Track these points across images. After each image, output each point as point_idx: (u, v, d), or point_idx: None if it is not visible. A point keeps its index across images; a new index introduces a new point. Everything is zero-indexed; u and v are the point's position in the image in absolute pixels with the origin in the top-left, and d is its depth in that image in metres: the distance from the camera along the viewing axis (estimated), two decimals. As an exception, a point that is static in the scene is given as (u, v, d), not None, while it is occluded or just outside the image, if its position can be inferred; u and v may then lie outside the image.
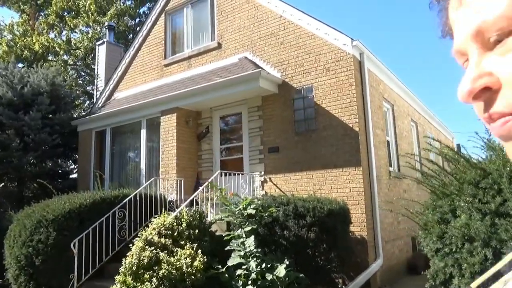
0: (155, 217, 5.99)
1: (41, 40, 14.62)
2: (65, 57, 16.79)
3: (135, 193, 7.35)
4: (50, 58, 16.20)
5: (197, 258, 5.08)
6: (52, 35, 16.71)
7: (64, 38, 16.01)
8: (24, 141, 9.97)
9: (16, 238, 6.56)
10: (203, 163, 9.13)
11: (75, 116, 12.36)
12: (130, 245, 5.41)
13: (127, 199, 7.17)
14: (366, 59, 7.79)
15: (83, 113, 13.37)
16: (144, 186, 7.68)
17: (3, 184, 9.62)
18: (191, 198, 6.41)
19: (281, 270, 4.68)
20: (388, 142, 8.89)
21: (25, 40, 15.05)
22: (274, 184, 7.94)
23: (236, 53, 9.08)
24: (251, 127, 8.48)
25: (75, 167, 12.16)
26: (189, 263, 4.93)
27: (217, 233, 6.45)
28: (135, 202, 7.28)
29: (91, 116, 10.48)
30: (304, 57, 8.02)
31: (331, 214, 5.71)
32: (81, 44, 15.69)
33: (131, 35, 18.31)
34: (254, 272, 4.98)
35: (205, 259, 5.14)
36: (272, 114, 8.24)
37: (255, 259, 5.08)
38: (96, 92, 12.34)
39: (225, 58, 9.24)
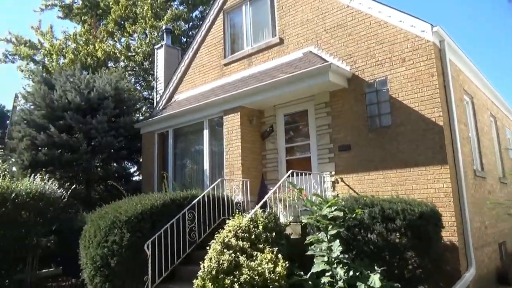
0: (228, 219, 5.75)
1: (103, 47, 15.18)
2: (122, 63, 17.31)
3: (203, 194, 7.19)
4: (110, 64, 16.78)
5: (279, 263, 4.74)
6: (111, 42, 17.31)
7: (123, 44, 16.50)
8: (91, 144, 10.23)
9: (91, 239, 6.61)
10: (268, 163, 8.82)
11: (136, 119, 12.59)
12: (207, 247, 5.17)
13: (195, 200, 7.02)
14: (447, 47, 7.09)
15: (142, 117, 13.59)
16: (212, 187, 7.49)
17: (74, 186, 9.91)
18: (264, 199, 6.10)
19: (375, 280, 4.22)
20: (469, 138, 8.08)
21: (88, 48, 15.68)
22: (346, 185, 7.45)
23: (299, 47, 8.70)
24: (318, 124, 8.05)
25: (137, 169, 12.38)
26: (271, 269, 4.61)
27: (292, 237, 6.10)
28: (203, 204, 7.12)
29: (154, 118, 10.56)
30: (376, 47, 7.47)
31: (422, 217, 5.14)
32: (139, 49, 16.10)
33: (185, 39, 18.57)
34: (341, 280, 4.55)
35: (287, 265, 4.79)
36: (341, 110, 7.76)
37: (341, 265, 4.65)
38: (156, 95, 12.49)
39: (288, 53, 8.89)
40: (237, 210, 7.86)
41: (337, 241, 4.76)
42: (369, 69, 7.50)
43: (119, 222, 6.35)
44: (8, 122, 33.06)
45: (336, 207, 4.96)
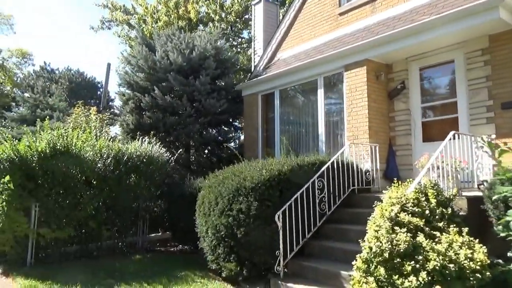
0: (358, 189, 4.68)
1: (196, 7, 14.63)
2: (212, 25, 16.61)
3: (331, 160, 6.20)
4: (201, 27, 16.23)
5: (476, 248, 3.60)
6: (205, 2, 16.62)
7: (217, 2, 15.74)
8: (194, 107, 9.71)
9: (212, 206, 6.01)
10: (397, 126, 7.52)
11: (237, 81, 11.86)
12: (337, 221, 4.18)
13: (324, 167, 6.06)
14: None
15: (238, 80, 12.82)
16: (340, 153, 6.47)
17: (180, 150, 9.55)
18: (427, 166, 4.90)
19: None
20: None
21: (179, 11, 15.21)
22: (513, 151, 5.93)
23: (441, -15, 7.07)
24: (471, 77, 6.51)
25: (236, 134, 11.77)
26: (469, 255, 3.48)
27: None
28: (332, 171, 6.15)
29: (258, 78, 9.71)
30: None
31: None
32: (231, 9, 15.27)
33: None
34: None
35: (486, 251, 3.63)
36: (507, 58, 6.13)
37: None
38: (254, 55, 11.62)
39: (424, -7, 7.31)
40: (366, 180, 6.82)
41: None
42: (552, 2, 5.73)
43: (244, 189, 5.62)
44: (101, 91, 34.97)
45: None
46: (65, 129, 7.73)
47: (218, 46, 10.54)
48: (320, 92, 8.35)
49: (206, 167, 10.30)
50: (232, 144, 11.21)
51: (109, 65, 24.98)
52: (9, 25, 32.02)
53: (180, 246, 8.92)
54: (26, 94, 30.77)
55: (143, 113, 9.96)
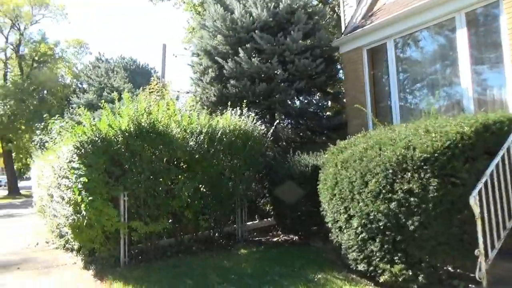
0: None
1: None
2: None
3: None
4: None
5: None
6: None
7: None
8: (287, 70, 8.11)
9: (356, 188, 4.43)
10: None
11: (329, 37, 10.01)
12: None
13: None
14: None
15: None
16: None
17: (277, 122, 8.03)
18: None
19: None
20: None
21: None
22: None
23: None
24: None
25: (333, 101, 10.04)
26: None
27: None
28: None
29: (364, 28, 7.84)
30: None
31: None
32: None
33: None
34: None
35: None
36: None
37: None
38: (344, 5, 9.70)
39: None
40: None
41: None
42: None
43: (411, 161, 3.97)
44: (155, 73, 34.42)
45: None
46: (148, 103, 6.47)
47: (306, -4, 8.77)
48: (462, 34, 6.36)
49: (304, 141, 8.80)
50: (329, 113, 9.53)
51: (164, 46, 24.08)
52: (63, 15, 32.34)
53: (284, 235, 7.54)
54: (84, 85, 31.20)
55: (225, 83, 8.53)
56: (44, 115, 15.71)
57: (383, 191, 4.13)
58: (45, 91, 29.94)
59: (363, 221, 4.36)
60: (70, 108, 17.06)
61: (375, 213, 4.18)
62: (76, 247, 6.43)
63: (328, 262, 5.35)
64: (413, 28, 7.14)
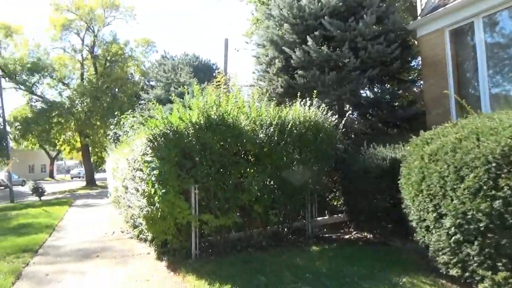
0: None
1: None
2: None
3: None
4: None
5: None
6: None
7: None
8: (358, 57, 7.61)
9: (448, 184, 3.94)
10: None
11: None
12: None
13: None
14: None
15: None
16: None
17: (349, 113, 7.61)
18: None
19: None
20: None
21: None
22: None
23: None
24: None
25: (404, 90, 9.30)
26: None
27: None
28: None
29: (447, 6, 7.09)
30: None
31: None
32: None
33: None
34: None
35: None
36: None
37: None
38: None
39: None
40: None
41: None
42: None
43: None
44: (216, 73, 35.16)
45: None
46: (217, 95, 6.40)
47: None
48: None
49: (374, 133, 8.26)
50: (401, 103, 8.83)
51: (226, 40, 24.40)
52: (132, 16, 34.05)
53: (357, 233, 7.13)
54: (152, 83, 32.67)
55: (293, 73, 8.23)
56: (116, 112, 16.68)
57: (484, 187, 3.61)
58: (117, 89, 31.87)
59: (458, 221, 3.86)
60: (139, 104, 17.85)
61: (474, 212, 3.68)
62: (149, 237, 6.59)
63: (411, 264, 4.91)
64: (507, 2, 6.29)
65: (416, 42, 8.38)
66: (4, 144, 22.14)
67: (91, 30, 32.46)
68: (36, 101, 32.30)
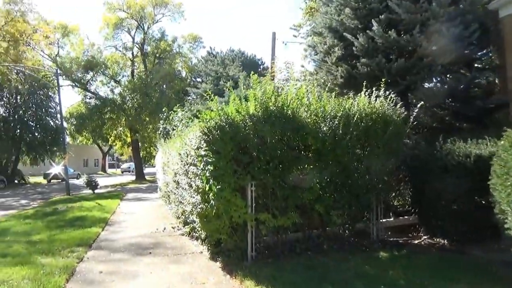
0: None
1: None
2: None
3: None
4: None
5: None
6: None
7: None
8: (431, 42, 6.80)
9: None
10: None
11: None
12: None
13: None
14: None
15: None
16: None
17: (421, 104, 6.84)
18: None
19: None
20: None
21: None
22: None
23: None
24: None
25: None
26: None
27: None
28: None
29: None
30: None
31: None
32: None
33: None
34: None
35: None
36: None
37: None
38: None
39: None
40: None
41: None
42: None
43: None
44: (261, 68, 34.79)
45: None
46: (276, 86, 5.93)
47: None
48: None
49: (445, 127, 7.42)
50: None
51: (274, 33, 23.90)
52: (180, 13, 34.43)
53: (428, 238, 6.38)
54: (198, 79, 33.04)
55: (354, 61, 7.57)
56: (163, 109, 16.73)
57: None
58: (165, 85, 32.41)
59: None
60: (187, 100, 17.86)
61: None
62: (202, 236, 6.27)
63: (503, 279, 4.15)
64: None
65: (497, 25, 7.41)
66: (62, 139, 23.17)
67: (141, 28, 33.21)
68: (90, 98, 33.64)
